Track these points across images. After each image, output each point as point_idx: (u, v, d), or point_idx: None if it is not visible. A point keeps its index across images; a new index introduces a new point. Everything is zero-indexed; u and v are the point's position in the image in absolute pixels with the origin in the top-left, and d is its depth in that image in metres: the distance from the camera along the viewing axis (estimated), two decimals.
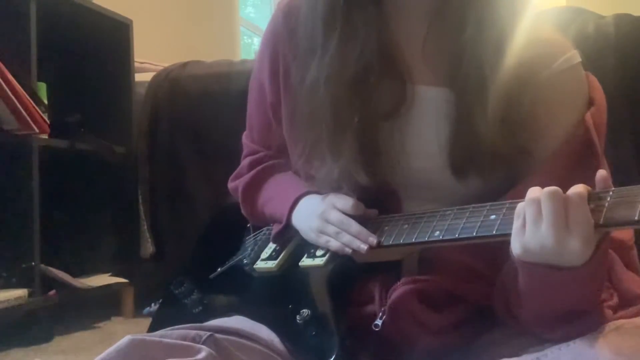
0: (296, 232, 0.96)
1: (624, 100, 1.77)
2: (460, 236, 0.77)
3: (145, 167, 2.33)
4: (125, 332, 0.94)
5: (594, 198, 0.68)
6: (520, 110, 0.83)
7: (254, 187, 1.05)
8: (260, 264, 0.99)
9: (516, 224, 0.71)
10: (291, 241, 0.98)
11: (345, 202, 0.89)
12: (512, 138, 0.83)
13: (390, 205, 0.90)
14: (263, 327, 0.87)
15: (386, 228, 0.86)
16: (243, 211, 1.07)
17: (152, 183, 2.33)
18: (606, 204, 0.67)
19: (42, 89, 2.02)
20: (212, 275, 1.07)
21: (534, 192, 0.70)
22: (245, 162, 1.09)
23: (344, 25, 0.86)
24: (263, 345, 0.83)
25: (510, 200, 0.76)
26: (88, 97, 2.35)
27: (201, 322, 0.85)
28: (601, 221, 0.67)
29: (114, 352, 0.72)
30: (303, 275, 0.92)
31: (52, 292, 1.95)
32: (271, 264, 0.97)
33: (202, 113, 2.29)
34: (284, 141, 1.00)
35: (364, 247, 0.85)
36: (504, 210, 0.75)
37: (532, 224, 0.69)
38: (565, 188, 0.68)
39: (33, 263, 1.88)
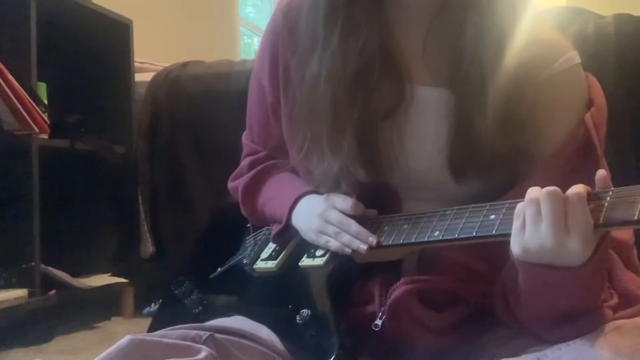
0: (296, 232, 0.96)
1: (624, 100, 1.77)
2: (460, 236, 0.77)
3: (145, 167, 2.33)
4: (125, 332, 0.94)
5: (593, 198, 0.68)
6: (520, 110, 0.83)
7: (253, 187, 1.05)
8: (260, 264, 0.99)
9: (516, 224, 0.71)
10: (291, 241, 0.98)
11: (345, 202, 0.89)
12: (512, 139, 0.83)
13: (390, 205, 0.90)
14: (263, 327, 0.87)
15: (386, 228, 0.86)
16: (243, 211, 1.07)
17: (152, 183, 2.33)
18: (606, 204, 0.67)
19: (42, 89, 2.02)
20: (212, 275, 1.07)
21: (533, 192, 0.70)
22: (245, 162, 1.09)
23: (346, 22, 0.86)
24: (263, 345, 0.83)
25: (510, 200, 0.76)
26: (88, 97, 2.35)
27: (201, 322, 0.85)
28: (601, 221, 0.67)
29: (114, 352, 0.72)
30: (303, 275, 0.92)
31: (52, 292, 1.95)
32: (271, 264, 0.97)
33: (202, 113, 2.29)
34: (284, 141, 1.00)
35: (363, 247, 0.85)
36: (503, 210, 0.75)
37: (531, 224, 0.69)
38: (564, 188, 0.68)
39: (33, 263, 1.88)
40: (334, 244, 0.88)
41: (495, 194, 0.82)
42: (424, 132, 0.89)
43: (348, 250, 0.87)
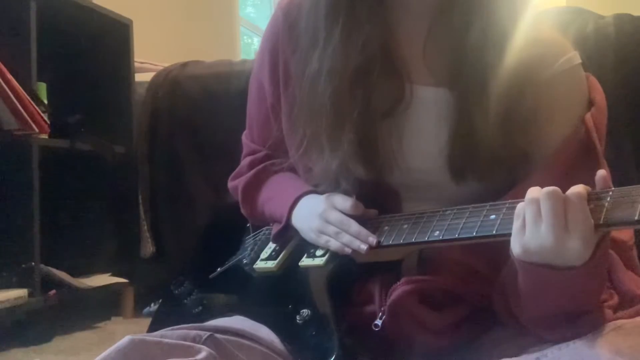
0: (296, 232, 0.96)
1: (624, 100, 1.77)
2: (460, 236, 0.77)
3: (145, 167, 2.32)
4: (125, 332, 0.94)
5: (593, 198, 0.68)
6: (520, 111, 0.83)
7: (253, 187, 1.05)
8: (260, 264, 0.99)
9: (516, 224, 0.71)
10: (291, 241, 0.98)
11: (345, 202, 0.89)
12: (512, 139, 0.83)
13: (390, 205, 0.90)
14: (263, 327, 0.87)
15: (386, 228, 0.86)
16: (243, 211, 1.07)
17: (152, 183, 2.32)
18: (606, 204, 0.67)
19: (42, 89, 2.02)
20: (212, 275, 1.07)
21: (533, 192, 0.70)
22: (245, 161, 1.09)
23: (347, 19, 0.87)
24: (263, 345, 0.83)
25: (510, 200, 0.76)
26: (88, 97, 2.35)
27: (201, 322, 0.85)
28: (601, 221, 0.67)
29: (114, 352, 0.72)
30: (303, 275, 0.92)
31: (52, 292, 1.95)
32: (271, 264, 0.97)
33: (202, 113, 2.29)
34: (284, 140, 1.00)
35: (363, 247, 0.85)
36: (503, 210, 0.75)
37: (531, 224, 0.69)
38: (565, 188, 0.68)
39: (33, 263, 1.88)
40: (334, 244, 0.88)
41: (495, 194, 0.82)
42: (424, 132, 0.89)
43: (348, 250, 0.87)
